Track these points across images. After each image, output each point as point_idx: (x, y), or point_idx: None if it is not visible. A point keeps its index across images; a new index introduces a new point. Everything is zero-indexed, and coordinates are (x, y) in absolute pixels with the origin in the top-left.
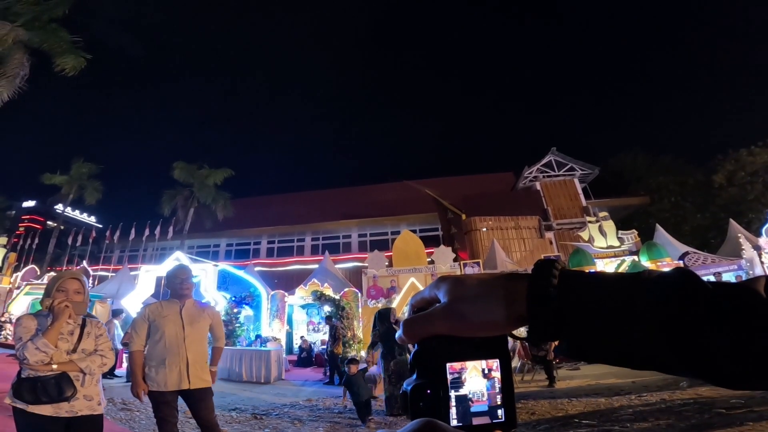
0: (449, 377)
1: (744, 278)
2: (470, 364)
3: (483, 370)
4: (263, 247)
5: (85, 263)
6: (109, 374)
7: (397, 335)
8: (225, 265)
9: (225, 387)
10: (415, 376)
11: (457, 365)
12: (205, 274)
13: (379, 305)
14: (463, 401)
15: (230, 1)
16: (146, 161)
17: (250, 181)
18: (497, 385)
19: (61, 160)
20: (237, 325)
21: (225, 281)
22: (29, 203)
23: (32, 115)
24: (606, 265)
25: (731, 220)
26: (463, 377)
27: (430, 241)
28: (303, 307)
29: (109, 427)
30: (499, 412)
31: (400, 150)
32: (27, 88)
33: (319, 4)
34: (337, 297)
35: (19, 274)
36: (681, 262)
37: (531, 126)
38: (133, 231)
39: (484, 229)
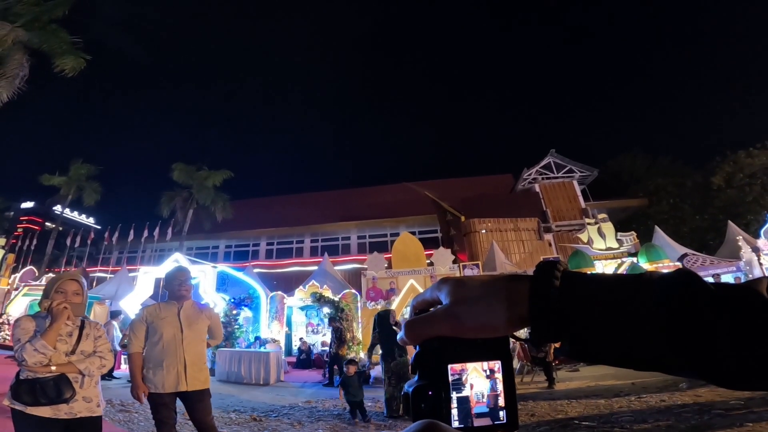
0: (451, 379)
1: (743, 280)
2: (472, 366)
3: (484, 371)
4: (262, 249)
5: (83, 264)
6: (108, 376)
7: (398, 337)
8: (224, 267)
9: (224, 389)
10: (416, 378)
11: (458, 367)
12: (204, 276)
13: (379, 307)
14: (465, 402)
15: (230, 4)
16: (145, 162)
17: (250, 182)
18: (499, 387)
19: (60, 161)
20: (236, 326)
21: (224, 283)
22: (28, 204)
23: (31, 116)
24: (605, 267)
25: (730, 222)
26: (464, 378)
27: (429, 243)
28: (302, 308)
29: (108, 428)
30: (501, 413)
31: (400, 152)
32: (26, 88)
33: (319, 8)
34: (337, 299)
35: (18, 275)
36: (680, 263)
37: (530, 128)
38: (131, 232)
39: (484, 231)
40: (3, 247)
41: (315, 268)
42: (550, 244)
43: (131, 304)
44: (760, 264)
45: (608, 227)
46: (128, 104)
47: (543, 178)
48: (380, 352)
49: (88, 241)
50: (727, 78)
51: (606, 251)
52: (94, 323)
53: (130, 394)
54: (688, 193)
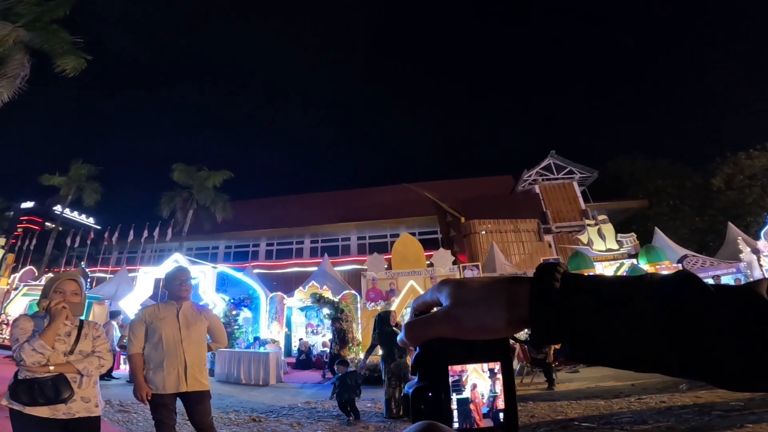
0: (451, 380)
1: (743, 281)
2: (472, 367)
3: (484, 372)
4: (262, 249)
5: (83, 264)
6: (107, 376)
7: (398, 338)
8: (224, 267)
9: (223, 389)
10: (416, 379)
11: (458, 368)
12: (204, 276)
13: (378, 308)
14: (465, 404)
15: (231, 5)
16: (145, 163)
17: (250, 183)
18: (498, 388)
19: (60, 161)
20: (236, 327)
21: (224, 283)
22: (28, 204)
23: (32, 116)
24: (605, 269)
25: (730, 224)
26: (464, 380)
27: (429, 244)
28: (302, 309)
29: (107, 429)
30: (501, 414)
31: (400, 152)
32: (27, 88)
33: (319, 9)
34: (336, 299)
35: (17, 275)
36: (680, 265)
37: (530, 129)
38: (131, 232)
39: (484, 232)
40: (3, 247)
41: (315, 268)
42: (550, 246)
43: (131, 304)
44: (760, 265)
45: (608, 228)
46: (129, 104)
47: (543, 180)
48: (380, 353)
49: (88, 241)
50: (728, 79)
51: (606, 252)
52: (92, 323)
53: (132, 395)
54: (688, 194)
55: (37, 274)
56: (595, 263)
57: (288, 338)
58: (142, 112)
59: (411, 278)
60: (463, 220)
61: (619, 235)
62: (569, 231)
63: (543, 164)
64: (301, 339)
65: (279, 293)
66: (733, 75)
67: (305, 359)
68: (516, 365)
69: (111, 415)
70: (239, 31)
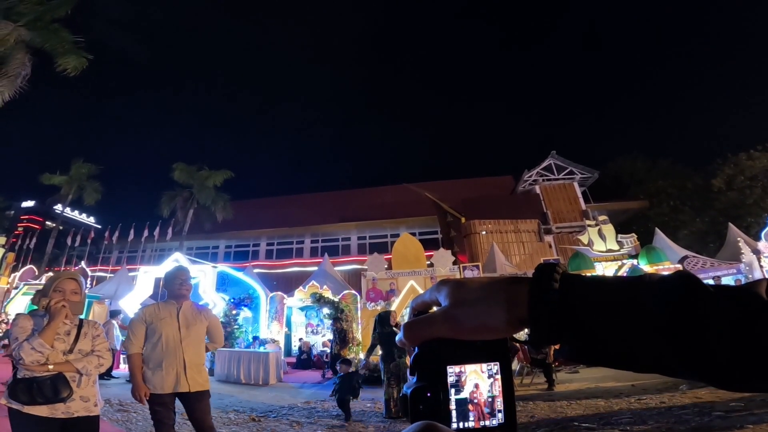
0: (449, 380)
1: (743, 282)
2: (470, 367)
3: (483, 373)
4: (262, 249)
5: (83, 264)
6: (106, 375)
7: (397, 338)
8: (224, 267)
9: (223, 389)
10: (415, 379)
11: (457, 368)
12: (204, 276)
13: (378, 308)
14: (463, 404)
15: (232, 7)
16: (146, 162)
17: (250, 183)
18: (497, 388)
19: (61, 161)
20: (236, 326)
21: (224, 283)
22: (28, 203)
23: (33, 115)
24: (605, 269)
25: (730, 224)
26: (463, 380)
27: (429, 244)
28: (302, 309)
29: (106, 428)
30: (500, 415)
31: (400, 153)
32: (28, 88)
33: (320, 10)
34: (336, 299)
35: (18, 274)
36: (680, 265)
37: (531, 130)
38: (132, 232)
39: (484, 233)
40: (3, 246)
41: (315, 268)
42: (550, 246)
43: (131, 304)
44: (761, 266)
45: (609, 229)
46: (129, 104)
47: (543, 180)
48: (380, 353)
49: (88, 241)
50: (728, 80)
51: (606, 253)
52: (92, 322)
53: (130, 395)
54: (689, 195)
55: (37, 273)
56: (595, 264)
57: (288, 338)
58: (142, 112)
59: (411, 278)
60: (463, 220)
61: (619, 235)
62: (570, 231)
63: (543, 165)
64: (301, 339)
65: (279, 293)
66: (734, 75)
67: (306, 359)
68: (516, 365)
69: (110, 414)
70: (240, 32)
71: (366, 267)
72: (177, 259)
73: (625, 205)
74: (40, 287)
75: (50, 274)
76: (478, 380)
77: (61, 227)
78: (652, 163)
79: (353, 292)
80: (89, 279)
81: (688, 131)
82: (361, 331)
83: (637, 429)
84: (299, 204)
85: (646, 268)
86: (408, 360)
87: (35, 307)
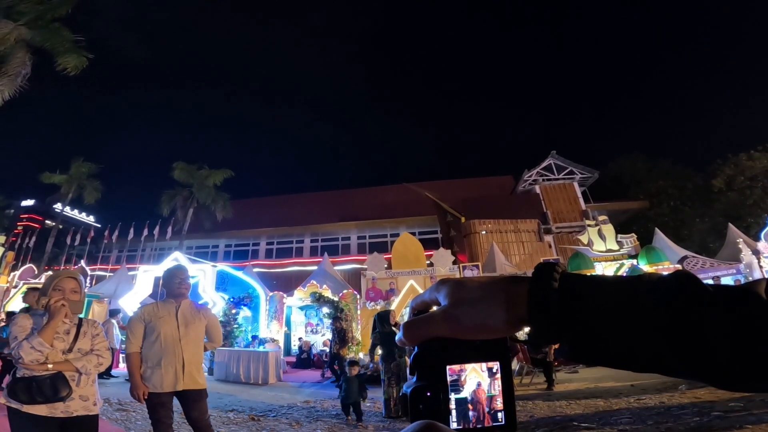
0: (449, 379)
1: (743, 282)
2: (470, 367)
3: (483, 372)
4: (262, 248)
5: (83, 263)
6: (106, 374)
7: (397, 337)
8: (223, 266)
9: (222, 388)
10: (414, 379)
11: (456, 368)
12: (204, 275)
13: (378, 307)
14: (463, 404)
15: (232, 5)
16: (146, 161)
17: (250, 182)
18: (497, 388)
19: (61, 160)
20: (235, 326)
21: (223, 282)
22: (28, 202)
23: (33, 114)
24: (605, 269)
25: (730, 225)
26: (463, 379)
27: (429, 244)
28: (301, 308)
29: (105, 427)
30: (499, 414)
31: (400, 152)
32: (28, 87)
33: (321, 9)
34: (336, 299)
35: (17, 273)
36: (680, 266)
37: (531, 129)
38: (131, 231)
39: (484, 232)
40: (3, 245)
41: (315, 268)
42: (550, 246)
43: (130, 303)
44: (761, 267)
45: (608, 229)
46: (129, 103)
47: (543, 180)
48: (380, 352)
49: (88, 240)
50: (729, 80)
51: (606, 253)
52: (91, 321)
53: (129, 394)
54: (689, 195)
55: (36, 272)
56: (595, 264)
57: (287, 337)
58: (142, 111)
59: (411, 278)
60: (463, 220)
61: (619, 235)
62: (569, 231)
63: (543, 164)
64: (300, 338)
65: (279, 292)
66: (734, 76)
67: (306, 358)
68: (515, 365)
69: (109, 413)
70: (240, 31)
71: (366, 266)
72: (177, 258)
73: (625, 206)
74: (35, 286)
75: (50, 272)
76: (477, 380)
77: (60, 226)
78: (653, 163)
79: (353, 291)
80: (89, 278)
81: (688, 132)
82: (360, 330)
83: (636, 429)
84: (299, 203)
85: (645, 268)
86: (408, 359)
87: (28, 305)
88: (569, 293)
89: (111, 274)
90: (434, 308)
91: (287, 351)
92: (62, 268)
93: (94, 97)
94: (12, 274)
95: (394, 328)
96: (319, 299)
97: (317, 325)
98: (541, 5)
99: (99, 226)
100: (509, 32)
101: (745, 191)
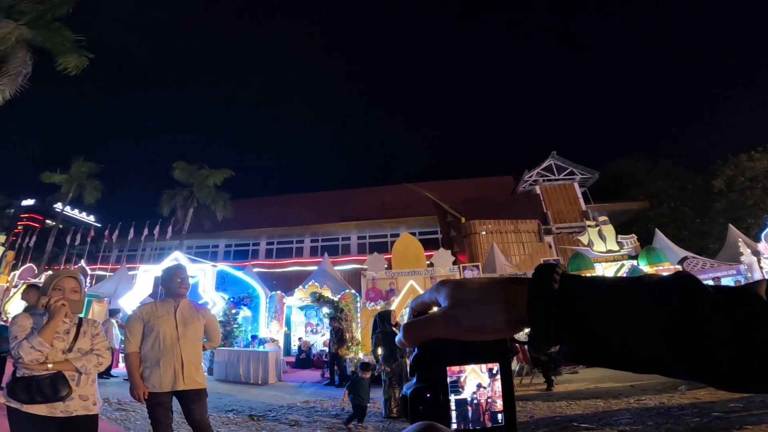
0: (449, 380)
1: (743, 283)
2: (470, 368)
3: (483, 373)
4: (262, 248)
5: (83, 262)
6: (105, 374)
7: (397, 339)
8: (223, 266)
9: (222, 388)
10: (414, 380)
11: (456, 369)
12: (204, 275)
13: (378, 307)
14: (463, 405)
15: (233, 5)
16: (146, 161)
17: (250, 182)
18: (497, 389)
19: (61, 159)
20: (235, 326)
21: (223, 282)
22: (28, 201)
23: (33, 114)
24: (605, 270)
25: (730, 226)
26: (462, 381)
27: (429, 244)
28: (301, 308)
29: (104, 427)
30: (499, 415)
31: (400, 153)
32: (29, 86)
33: (321, 9)
34: (336, 299)
35: (17, 272)
36: (680, 266)
37: (531, 130)
38: (132, 230)
39: (484, 233)
40: (3, 245)
41: (315, 268)
42: (550, 246)
43: (130, 303)
44: (761, 267)
45: (609, 230)
46: (130, 103)
47: (544, 180)
48: (381, 352)
49: (88, 239)
50: (729, 81)
51: (606, 254)
52: (91, 321)
53: (129, 394)
54: (689, 196)
55: (36, 272)
56: (595, 264)
57: (287, 337)
58: (143, 111)
59: (411, 278)
60: (463, 220)
61: (619, 236)
62: (570, 232)
63: (544, 165)
64: (300, 338)
65: (279, 292)
66: (735, 76)
67: (305, 358)
68: (515, 366)
69: (109, 413)
70: (240, 31)
71: (366, 267)
72: (177, 257)
73: (625, 206)
74: (33, 283)
75: (50, 272)
76: (477, 381)
77: (60, 226)
78: (653, 163)
79: (353, 291)
80: (89, 277)
81: (688, 132)
82: (360, 330)
83: (636, 429)
84: (299, 203)
85: (645, 268)
86: (408, 360)
87: (25, 303)
88: (569, 294)
89: (111, 273)
90: (434, 309)
91: (287, 351)
92: (62, 267)
93: (94, 97)
94: (12, 273)
95: (394, 329)
96: (319, 299)
97: (317, 325)
98: (541, 5)
99: (99, 225)
100: (510, 32)
101: (746, 192)
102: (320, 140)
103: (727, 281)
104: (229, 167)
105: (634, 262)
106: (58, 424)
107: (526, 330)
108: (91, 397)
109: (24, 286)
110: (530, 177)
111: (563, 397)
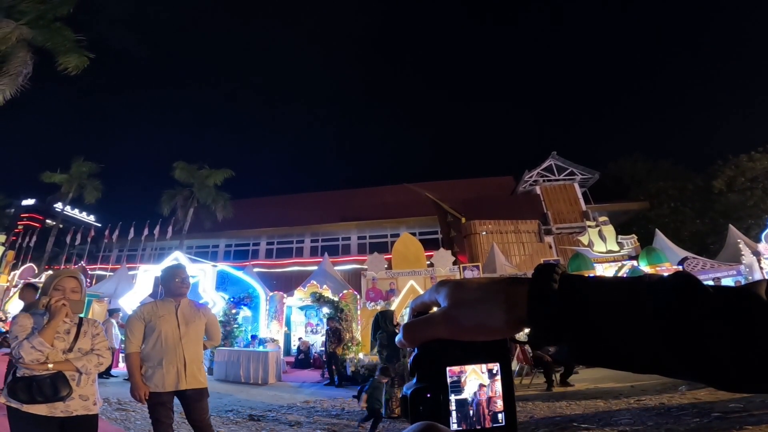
0: (449, 381)
1: (743, 283)
2: (470, 368)
3: (483, 373)
4: (262, 248)
5: (83, 262)
6: (105, 374)
7: (397, 339)
8: (224, 266)
9: (222, 388)
10: (415, 380)
11: (457, 369)
12: (204, 275)
13: (378, 308)
14: (463, 405)
15: (233, 5)
16: (146, 161)
17: (250, 182)
18: (498, 389)
19: (62, 159)
20: (235, 326)
21: (223, 282)
22: (28, 201)
23: (34, 113)
24: (605, 270)
25: (730, 226)
26: (463, 381)
27: (429, 244)
28: (301, 308)
29: (104, 427)
30: (500, 416)
31: (401, 153)
32: (29, 86)
33: (321, 9)
34: (336, 299)
35: (17, 272)
36: (680, 267)
37: (531, 130)
38: (132, 230)
39: (484, 233)
40: (3, 244)
41: (315, 268)
42: (550, 247)
43: (130, 302)
44: (761, 268)
45: (609, 230)
46: (130, 103)
47: (544, 181)
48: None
49: (89, 239)
50: (729, 81)
51: (606, 254)
52: (92, 321)
53: (129, 394)
54: (689, 196)
55: (37, 272)
56: (595, 264)
57: (287, 337)
58: (143, 111)
59: (411, 278)
60: (463, 220)
61: (619, 236)
62: (570, 232)
63: (544, 165)
64: (300, 338)
65: (279, 292)
66: (735, 77)
67: (304, 358)
68: (515, 366)
69: (109, 413)
70: (241, 31)
71: (366, 267)
72: (177, 257)
73: (625, 206)
74: (32, 282)
75: (50, 272)
76: (478, 381)
77: (61, 225)
78: (653, 164)
79: (353, 291)
80: (89, 277)
81: (688, 133)
82: (360, 330)
83: (636, 430)
84: (299, 203)
85: (646, 269)
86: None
87: (21, 302)
88: (569, 294)
89: (111, 273)
90: (434, 309)
91: (287, 351)
92: (62, 267)
93: (94, 97)
94: (12, 273)
95: (396, 329)
96: (319, 299)
97: (317, 325)
98: (541, 5)
99: (99, 225)
100: (510, 32)
101: (746, 192)
102: (320, 140)
103: (727, 281)
104: (229, 167)
105: (635, 263)
106: (58, 424)
107: (526, 330)
108: (91, 397)
109: (22, 286)
110: (530, 177)
111: (563, 397)
